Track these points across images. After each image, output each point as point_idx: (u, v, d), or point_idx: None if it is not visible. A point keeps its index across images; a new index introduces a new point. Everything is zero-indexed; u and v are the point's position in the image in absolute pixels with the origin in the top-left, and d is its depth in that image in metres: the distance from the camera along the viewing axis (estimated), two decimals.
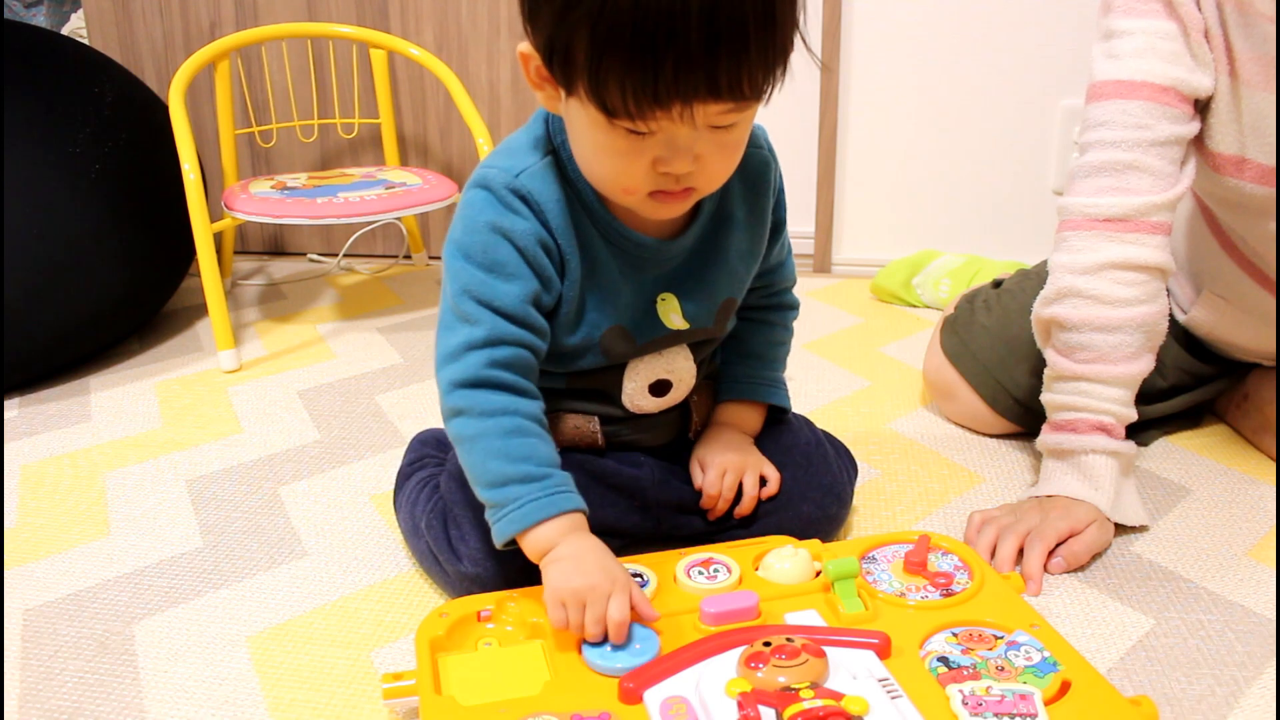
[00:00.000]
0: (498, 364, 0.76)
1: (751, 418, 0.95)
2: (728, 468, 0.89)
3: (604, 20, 0.63)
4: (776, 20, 0.65)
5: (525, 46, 0.72)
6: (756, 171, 0.84)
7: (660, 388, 0.87)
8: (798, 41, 0.69)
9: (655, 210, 0.75)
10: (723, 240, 0.84)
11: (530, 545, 0.75)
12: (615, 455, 0.90)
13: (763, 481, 0.91)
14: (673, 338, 0.85)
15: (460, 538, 0.84)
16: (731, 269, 0.85)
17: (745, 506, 0.89)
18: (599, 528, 0.79)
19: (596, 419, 0.88)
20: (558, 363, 0.83)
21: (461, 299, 0.77)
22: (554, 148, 0.78)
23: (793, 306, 0.99)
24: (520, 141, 0.80)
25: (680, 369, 0.88)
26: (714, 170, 0.73)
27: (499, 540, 0.77)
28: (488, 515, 0.77)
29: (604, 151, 0.71)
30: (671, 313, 0.84)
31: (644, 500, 0.89)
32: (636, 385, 0.87)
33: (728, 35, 0.63)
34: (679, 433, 0.94)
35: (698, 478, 0.90)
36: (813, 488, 0.92)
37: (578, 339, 0.81)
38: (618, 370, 0.86)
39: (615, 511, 0.87)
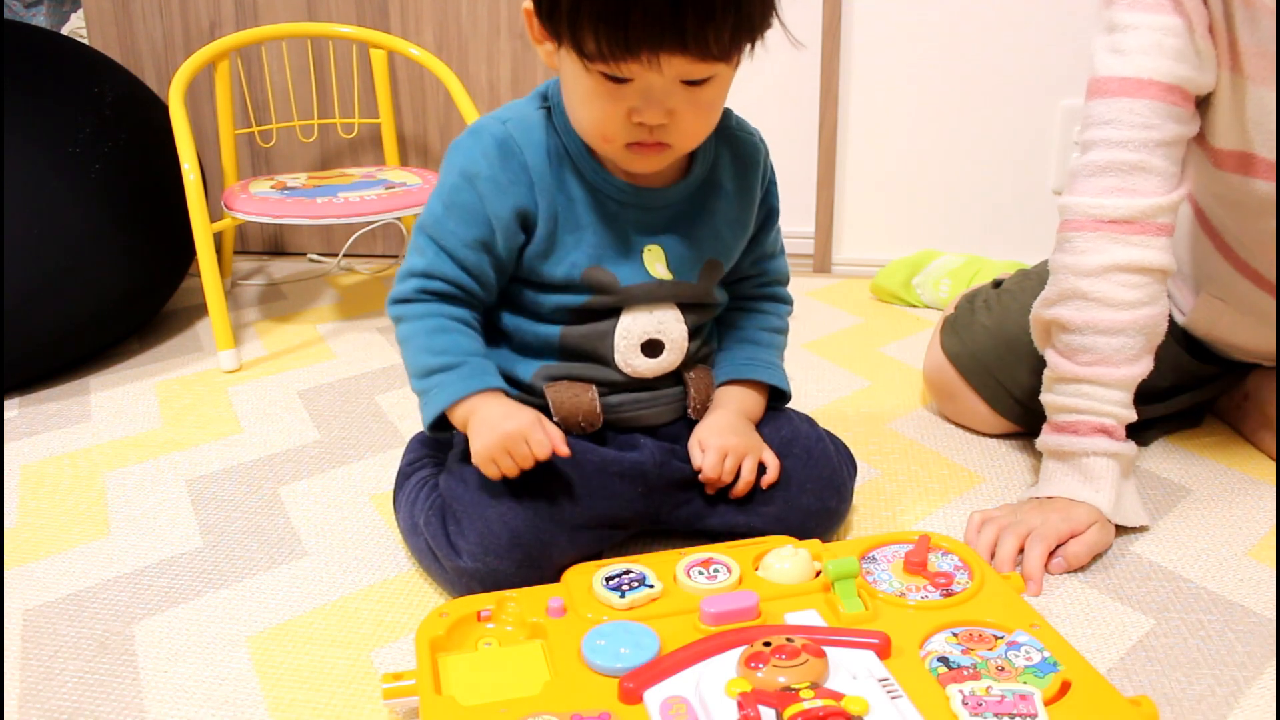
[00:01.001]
0: (427, 291, 0.86)
1: (752, 401, 0.95)
2: (728, 450, 0.89)
3: None
4: None
5: (528, 3, 0.80)
6: (746, 152, 0.92)
7: (652, 347, 0.90)
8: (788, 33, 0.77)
9: (632, 162, 0.83)
10: (710, 204, 0.90)
11: (456, 423, 0.85)
12: (616, 442, 0.91)
13: (762, 469, 0.91)
14: (657, 287, 0.88)
15: (459, 533, 0.85)
16: (716, 231, 0.90)
17: (740, 490, 0.90)
18: (604, 520, 0.86)
19: (594, 389, 0.89)
20: (548, 295, 0.88)
21: (418, 232, 0.87)
22: (548, 106, 0.87)
23: (786, 300, 1.01)
24: (520, 100, 0.90)
25: (671, 329, 0.90)
26: (687, 127, 0.80)
27: (426, 422, 0.86)
28: (421, 400, 0.86)
29: (587, 97, 0.78)
30: (657, 262, 0.88)
31: (646, 484, 0.89)
32: (628, 343, 0.89)
33: None
34: (679, 412, 0.94)
35: (697, 458, 0.90)
36: (811, 479, 0.92)
37: (560, 272, 0.87)
38: (609, 326, 0.88)
39: (619, 501, 0.88)
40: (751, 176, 0.92)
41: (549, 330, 0.89)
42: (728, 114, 0.91)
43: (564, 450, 0.83)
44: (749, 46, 0.77)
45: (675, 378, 0.93)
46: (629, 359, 0.89)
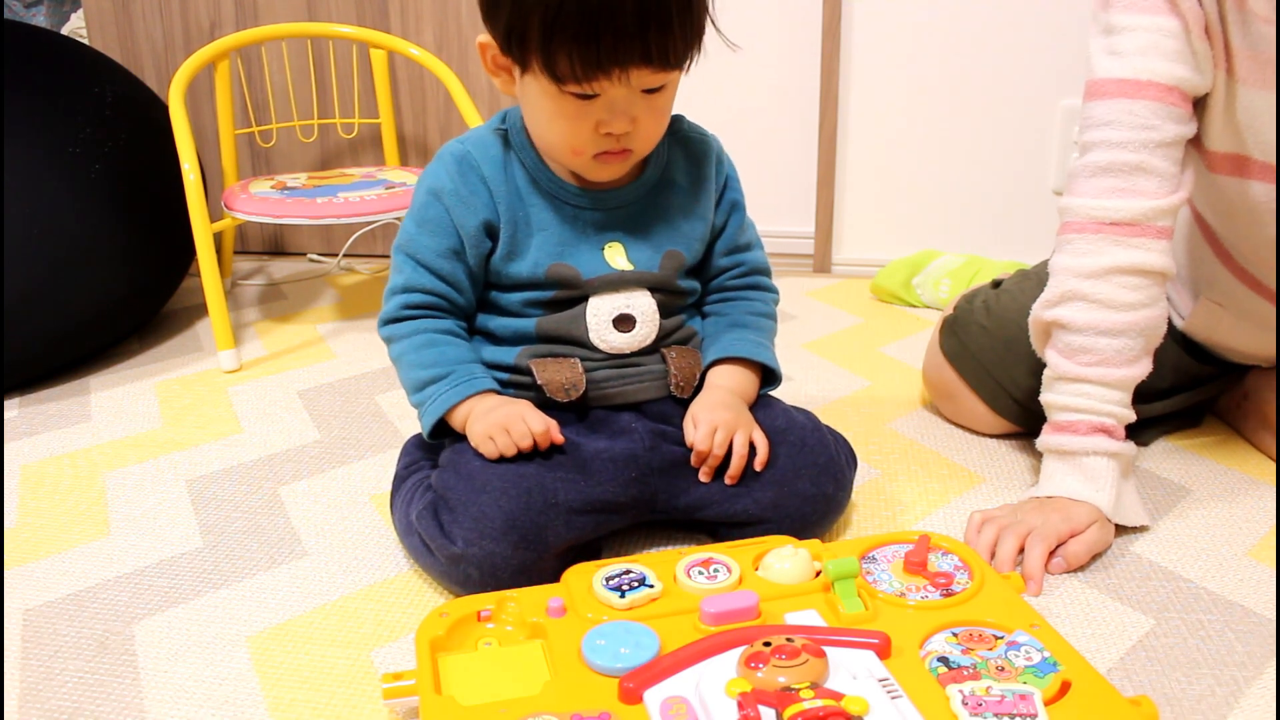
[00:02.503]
0: (410, 305, 0.93)
1: (743, 380, 0.96)
2: (718, 424, 0.90)
3: (553, 6, 0.77)
4: (693, 3, 0.81)
5: (484, 37, 0.87)
6: (698, 150, 0.97)
7: (624, 321, 0.93)
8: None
9: (599, 171, 0.89)
10: (664, 200, 0.95)
11: (456, 426, 0.91)
12: (606, 424, 0.92)
13: (754, 451, 0.91)
14: (619, 277, 0.93)
15: (453, 521, 0.85)
16: (674, 224, 0.95)
17: (734, 468, 0.91)
18: (598, 505, 0.88)
19: (577, 360, 0.93)
20: (517, 293, 0.93)
21: (396, 252, 0.94)
22: (504, 129, 0.94)
23: (770, 289, 1.03)
24: (479, 126, 0.96)
25: (640, 304, 0.93)
26: (647, 133, 0.87)
27: (427, 430, 0.92)
28: (420, 411, 0.93)
29: (556, 117, 0.85)
30: (617, 256, 0.93)
31: (638, 469, 0.90)
32: (600, 319, 0.93)
33: (655, 14, 0.78)
34: (663, 390, 0.95)
35: (690, 433, 0.92)
36: (808, 466, 0.92)
37: (525, 270, 0.92)
38: (580, 310, 0.92)
39: (613, 486, 0.89)
40: (704, 171, 0.97)
41: (524, 324, 0.94)
42: (679, 119, 0.98)
43: (559, 437, 0.88)
44: (697, 46, 0.85)
45: (657, 355, 0.95)
46: (603, 335, 0.93)
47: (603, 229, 0.93)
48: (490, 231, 0.92)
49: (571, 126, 0.85)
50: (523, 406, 0.89)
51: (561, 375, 0.92)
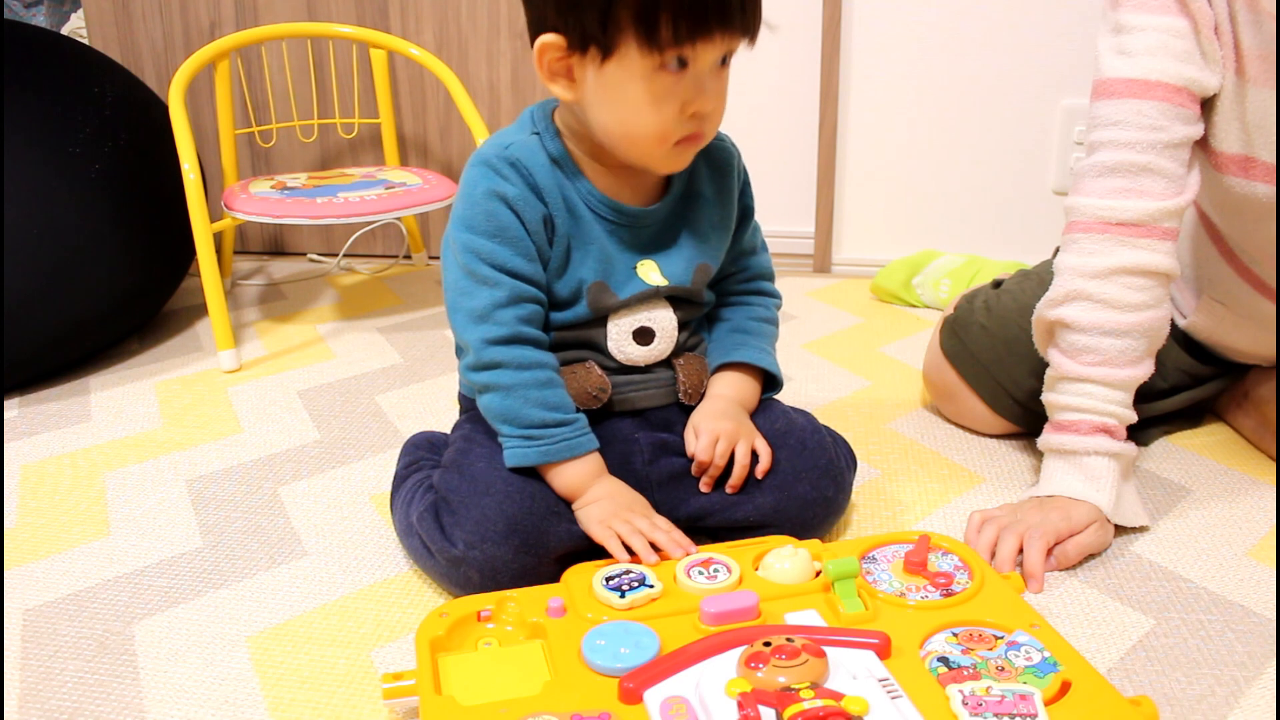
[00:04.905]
0: (524, 320, 0.87)
1: (745, 387, 0.96)
2: (720, 434, 0.90)
3: None
4: None
5: (547, 38, 0.82)
6: (721, 158, 0.95)
7: (644, 335, 0.92)
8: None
9: (675, 161, 0.87)
10: (693, 213, 0.94)
11: (562, 475, 0.87)
12: (607, 439, 0.91)
13: (756, 459, 0.91)
14: (653, 292, 0.92)
15: (455, 523, 0.85)
16: (704, 236, 0.94)
17: (736, 478, 0.91)
18: None
19: (592, 362, 0.92)
20: (551, 310, 0.90)
21: (476, 264, 0.86)
22: (537, 131, 0.89)
23: (773, 295, 1.03)
24: (508, 129, 0.92)
25: (661, 318, 0.93)
26: (718, 113, 0.86)
27: (529, 463, 0.86)
28: (514, 442, 0.87)
29: (644, 103, 0.81)
30: (651, 272, 0.92)
31: (637, 483, 0.91)
32: (621, 331, 0.92)
33: None
34: (670, 396, 0.95)
35: (691, 444, 0.92)
36: (807, 469, 0.92)
37: (568, 290, 0.90)
38: (601, 323, 0.91)
39: None
40: (728, 180, 0.96)
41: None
42: None
43: (689, 546, 0.85)
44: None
45: (666, 363, 0.95)
46: (622, 346, 0.92)
47: (636, 247, 0.92)
48: (551, 237, 0.88)
49: (659, 111, 0.81)
50: (645, 508, 0.88)
51: (586, 383, 0.91)
